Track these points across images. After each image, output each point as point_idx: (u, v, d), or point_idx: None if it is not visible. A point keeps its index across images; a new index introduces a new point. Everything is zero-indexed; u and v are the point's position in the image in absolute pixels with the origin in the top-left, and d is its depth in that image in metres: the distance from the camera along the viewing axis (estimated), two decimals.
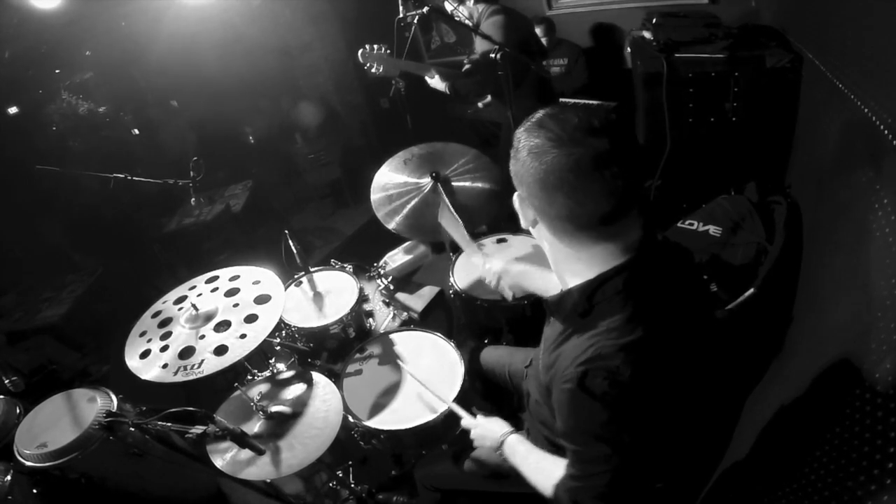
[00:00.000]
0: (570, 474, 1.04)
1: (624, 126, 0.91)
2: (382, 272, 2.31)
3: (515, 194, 1.03)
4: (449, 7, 2.83)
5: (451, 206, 1.87)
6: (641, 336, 0.92)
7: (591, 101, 3.71)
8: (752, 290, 2.00)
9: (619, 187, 0.87)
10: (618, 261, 0.96)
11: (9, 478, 1.69)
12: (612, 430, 0.94)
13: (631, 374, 0.89)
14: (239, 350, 1.47)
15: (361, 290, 2.13)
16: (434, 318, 2.30)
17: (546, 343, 1.18)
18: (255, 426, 1.58)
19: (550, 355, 1.10)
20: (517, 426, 1.38)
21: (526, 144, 0.93)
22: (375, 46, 2.45)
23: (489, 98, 3.66)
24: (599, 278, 0.97)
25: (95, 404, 1.75)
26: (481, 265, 1.67)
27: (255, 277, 1.75)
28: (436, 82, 2.69)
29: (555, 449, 1.24)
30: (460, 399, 1.62)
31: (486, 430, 1.40)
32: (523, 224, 1.06)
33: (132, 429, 1.33)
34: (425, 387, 1.68)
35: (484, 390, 1.90)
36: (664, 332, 0.95)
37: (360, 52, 2.43)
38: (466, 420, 1.49)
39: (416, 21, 2.48)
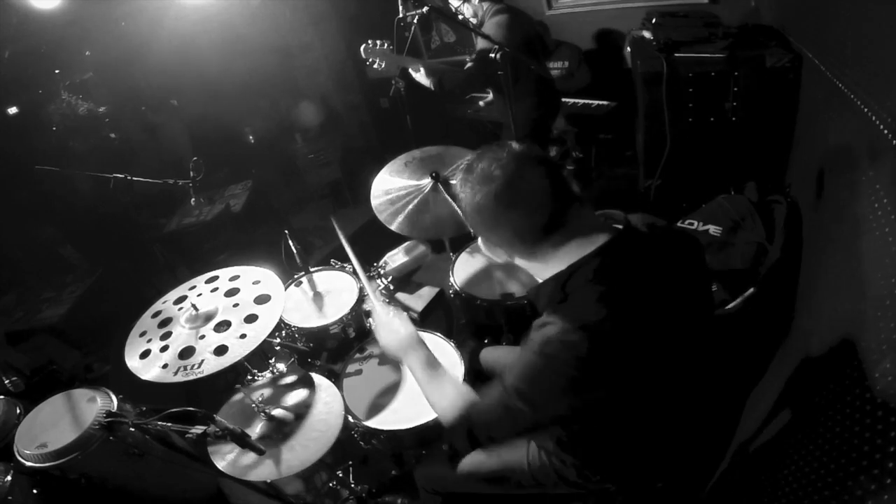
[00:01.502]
0: (479, 409, 1.13)
1: (526, 149, 1.06)
2: (382, 272, 2.31)
3: (479, 240, 1.17)
4: (454, 5, 2.83)
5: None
6: (604, 317, 0.97)
7: (590, 101, 3.72)
8: (752, 290, 2.01)
9: (540, 199, 1.01)
10: (587, 251, 1.04)
11: (9, 478, 1.69)
12: (543, 395, 1.01)
13: (587, 351, 0.95)
14: (239, 350, 1.47)
15: (361, 289, 2.13)
16: (434, 317, 2.30)
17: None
18: (256, 427, 1.58)
19: (527, 337, 1.15)
20: None
21: (461, 198, 1.09)
22: (378, 42, 2.45)
23: (490, 97, 3.66)
24: (570, 268, 1.05)
25: (95, 404, 1.75)
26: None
27: (255, 277, 1.75)
28: (421, 76, 2.68)
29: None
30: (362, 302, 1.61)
31: (391, 328, 1.41)
32: (500, 260, 1.20)
33: (132, 429, 1.33)
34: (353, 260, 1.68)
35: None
36: (629, 314, 1.00)
37: (362, 47, 2.44)
38: (373, 304, 1.53)
39: (415, 21, 2.48)
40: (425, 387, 1.29)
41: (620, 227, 1.09)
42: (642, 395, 1.07)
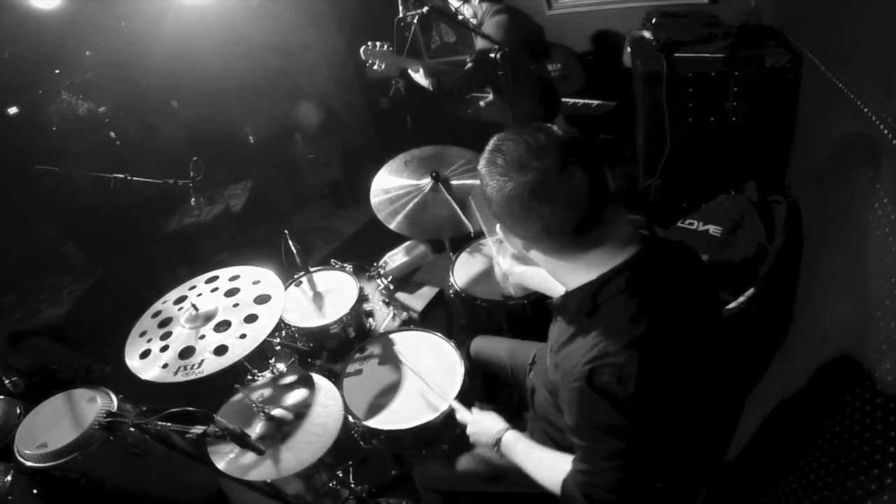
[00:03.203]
0: (581, 469, 1.04)
1: (568, 138, 0.95)
2: (382, 272, 2.31)
3: (498, 227, 1.07)
4: (453, 5, 2.84)
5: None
6: (645, 332, 0.93)
7: (590, 101, 3.72)
8: (752, 290, 2.00)
9: (578, 197, 0.91)
10: (617, 260, 0.98)
11: (9, 478, 1.69)
12: (622, 426, 0.94)
13: (637, 369, 0.90)
14: (239, 350, 1.47)
15: (361, 289, 2.13)
16: (434, 317, 2.30)
17: (552, 342, 1.18)
18: (255, 427, 1.58)
19: (557, 355, 1.11)
20: (519, 426, 1.37)
21: (487, 182, 0.98)
22: (378, 43, 2.45)
23: (490, 97, 3.66)
24: (602, 279, 0.99)
25: (95, 404, 1.75)
26: (495, 256, 1.74)
27: (255, 277, 1.74)
28: (419, 77, 2.69)
29: (559, 448, 1.24)
30: (461, 399, 1.62)
31: (481, 426, 1.38)
32: (516, 252, 1.09)
33: (132, 429, 1.33)
34: (425, 381, 1.68)
35: (485, 389, 1.90)
36: (669, 326, 0.96)
37: (362, 48, 2.44)
38: (463, 414, 1.48)
39: (415, 21, 2.48)
40: (531, 468, 1.23)
41: (646, 233, 1.04)
42: (678, 421, 1.02)
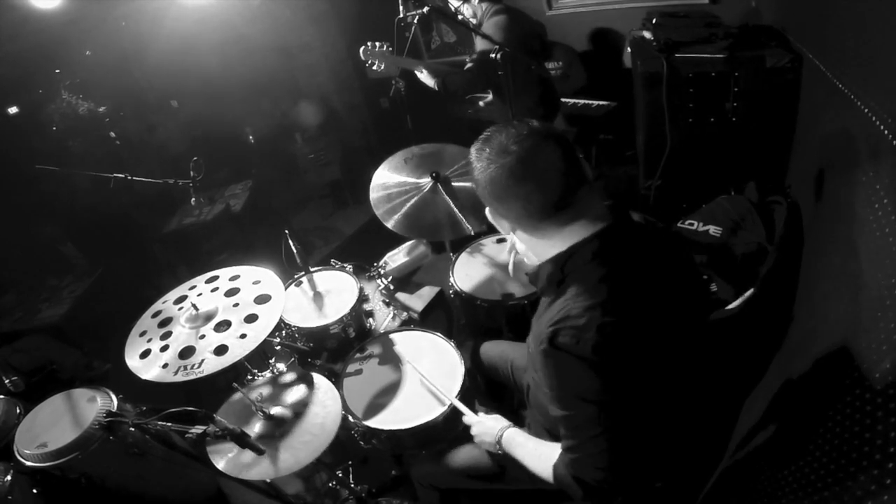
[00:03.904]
0: (567, 446, 1.10)
1: (543, 127, 1.07)
2: (382, 272, 2.31)
3: (487, 210, 1.17)
4: (454, 5, 2.84)
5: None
6: (606, 297, 1.00)
7: (590, 101, 3.72)
8: (751, 291, 2.00)
9: (552, 177, 1.03)
10: (587, 233, 1.06)
11: (9, 478, 1.69)
12: (590, 390, 1.01)
13: (596, 331, 0.97)
14: (239, 350, 1.47)
15: (361, 289, 2.13)
16: (434, 318, 2.30)
17: (535, 318, 1.24)
18: (254, 427, 1.58)
19: (535, 327, 1.18)
20: (518, 424, 1.40)
21: (475, 168, 1.10)
22: (377, 44, 2.45)
23: (490, 97, 3.66)
24: (570, 249, 1.08)
25: (95, 404, 1.75)
26: (506, 253, 1.82)
27: (255, 277, 1.75)
28: (425, 77, 2.69)
29: (554, 438, 1.25)
30: (461, 399, 1.62)
31: (485, 426, 1.43)
32: (503, 233, 1.20)
33: (132, 429, 1.33)
34: (429, 382, 1.69)
35: (485, 389, 1.90)
36: (631, 295, 1.02)
37: (361, 49, 2.44)
38: (468, 417, 1.52)
39: (415, 21, 2.48)
40: (527, 460, 1.29)
41: (620, 213, 1.11)
42: (644, 389, 1.07)
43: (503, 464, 1.49)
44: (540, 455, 1.24)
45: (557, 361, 1.02)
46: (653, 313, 1.06)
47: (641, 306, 1.04)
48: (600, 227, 1.07)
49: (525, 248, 1.19)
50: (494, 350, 1.84)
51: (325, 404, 1.61)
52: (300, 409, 1.61)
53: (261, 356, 1.93)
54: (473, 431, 1.48)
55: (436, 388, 1.66)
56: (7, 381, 2.16)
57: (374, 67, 2.49)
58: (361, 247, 3.72)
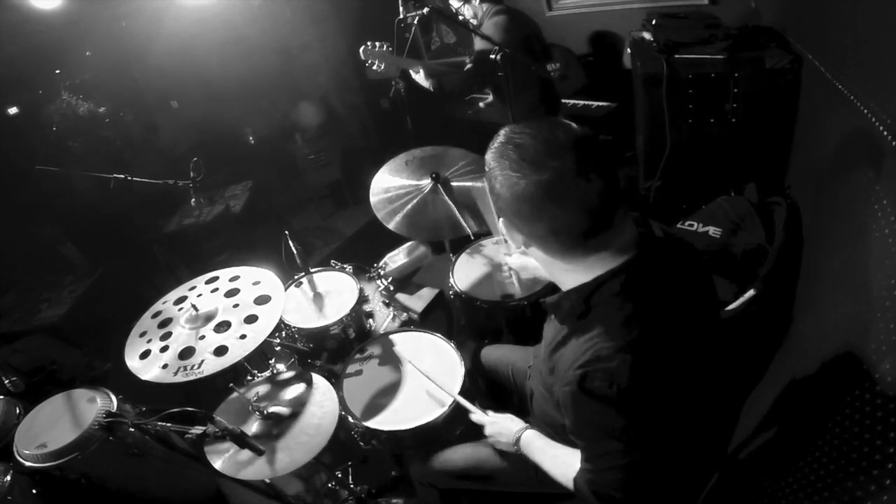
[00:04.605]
0: (585, 468, 1.06)
1: (586, 138, 0.92)
2: (382, 273, 2.31)
3: (500, 221, 1.04)
4: (454, 6, 2.84)
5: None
6: (638, 336, 0.92)
7: (590, 102, 3.72)
8: (751, 291, 2.01)
9: (591, 201, 0.89)
10: (615, 263, 0.97)
11: (9, 478, 1.69)
12: (616, 427, 0.95)
13: (629, 374, 0.90)
14: (239, 351, 1.47)
15: (361, 290, 2.13)
16: (434, 318, 2.30)
17: (546, 342, 1.19)
18: (252, 426, 1.58)
19: (551, 357, 1.11)
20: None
21: (496, 174, 0.94)
22: (377, 44, 2.45)
23: (490, 98, 3.66)
24: (596, 281, 0.98)
25: (95, 404, 1.75)
26: (503, 257, 1.78)
27: (255, 278, 1.75)
28: (420, 78, 2.69)
29: (564, 443, 1.25)
30: (456, 408, 1.63)
31: (501, 426, 1.41)
32: (514, 247, 1.07)
33: (132, 429, 1.34)
34: (435, 381, 1.68)
35: (486, 391, 1.90)
36: (663, 331, 0.95)
37: (361, 49, 2.44)
38: (479, 416, 1.51)
39: (416, 21, 2.48)
40: (546, 464, 1.26)
41: (643, 231, 1.03)
42: (673, 419, 1.02)
43: (496, 469, 1.49)
44: (561, 463, 1.20)
45: (587, 405, 0.94)
46: (683, 345, 0.99)
47: (673, 341, 0.96)
48: (629, 257, 0.97)
49: (536, 264, 1.09)
50: (494, 353, 1.83)
51: (322, 405, 1.60)
52: (297, 408, 1.61)
53: (261, 357, 1.94)
54: (488, 431, 1.45)
55: (442, 387, 1.66)
56: (7, 382, 2.16)
57: (374, 67, 2.49)
58: (361, 247, 3.72)
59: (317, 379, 1.70)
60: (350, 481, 2.06)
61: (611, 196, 0.91)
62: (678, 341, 0.98)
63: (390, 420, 1.66)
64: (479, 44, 2.65)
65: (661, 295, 0.98)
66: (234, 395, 1.68)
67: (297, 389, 1.68)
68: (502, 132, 0.97)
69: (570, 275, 1.02)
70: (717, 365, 1.14)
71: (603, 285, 0.97)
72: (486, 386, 1.86)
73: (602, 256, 0.97)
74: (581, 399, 0.94)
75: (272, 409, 1.60)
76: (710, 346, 1.10)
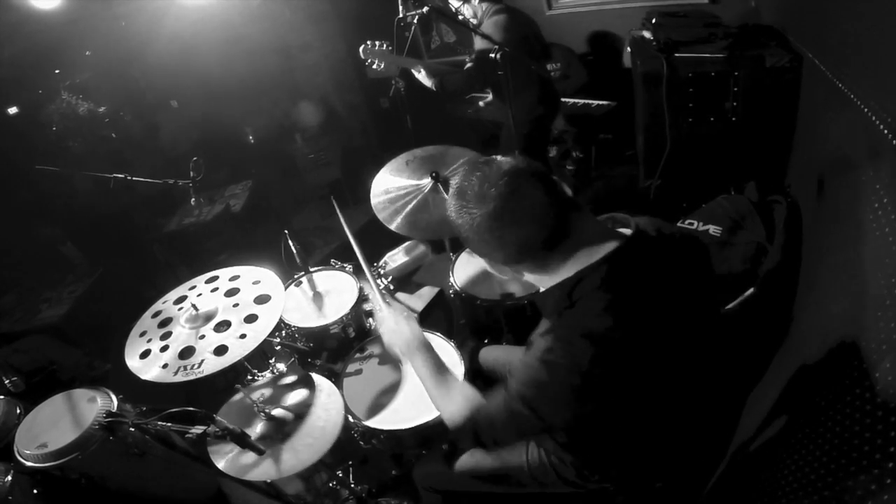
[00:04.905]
0: (485, 415, 1.13)
1: (513, 163, 1.01)
2: (382, 272, 2.31)
3: (486, 263, 1.14)
4: (454, 5, 2.84)
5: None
6: (609, 326, 0.96)
7: (590, 101, 3.72)
8: (751, 290, 2.00)
9: (539, 210, 0.98)
10: (594, 257, 1.02)
11: (9, 478, 1.69)
12: (552, 411, 1.01)
13: (588, 361, 0.94)
14: (239, 350, 1.47)
15: (361, 289, 2.13)
16: (434, 318, 2.30)
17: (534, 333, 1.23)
18: (256, 427, 1.58)
19: (530, 343, 1.16)
20: None
21: (457, 221, 1.04)
22: (377, 43, 2.45)
23: (490, 97, 3.66)
24: (577, 275, 1.02)
25: (95, 404, 1.75)
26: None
27: (255, 277, 1.75)
28: (423, 77, 2.69)
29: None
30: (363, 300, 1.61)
31: (398, 328, 1.40)
32: (508, 278, 1.16)
33: (132, 429, 1.33)
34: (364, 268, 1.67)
35: (485, 389, 1.90)
36: (636, 322, 0.98)
37: (361, 48, 2.44)
38: (377, 304, 1.52)
39: (415, 21, 2.48)
40: (431, 389, 1.29)
41: (629, 231, 1.06)
42: (646, 399, 1.07)
43: (501, 473, 1.49)
44: (450, 396, 1.24)
45: (537, 371, 1.00)
46: (659, 338, 1.02)
47: (644, 334, 0.99)
48: (610, 250, 1.02)
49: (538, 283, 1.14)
50: (492, 354, 1.84)
51: (327, 408, 1.61)
52: (302, 411, 1.61)
53: (261, 356, 1.93)
54: (379, 321, 1.47)
55: (362, 261, 1.66)
56: (7, 382, 2.16)
57: (374, 67, 2.49)
58: (361, 247, 3.71)
59: (320, 381, 1.70)
60: (350, 481, 2.06)
61: (556, 202, 0.99)
62: (652, 335, 1.01)
63: (390, 419, 1.66)
64: (479, 43, 2.65)
65: (641, 288, 1.01)
66: (238, 395, 1.68)
67: (301, 392, 1.69)
68: (455, 182, 1.07)
69: (557, 278, 1.07)
70: (705, 360, 1.16)
71: (584, 279, 1.01)
72: (484, 387, 1.87)
73: (578, 257, 1.03)
74: (535, 366, 1.00)
75: (277, 412, 1.60)
76: (695, 342, 1.12)
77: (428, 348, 1.34)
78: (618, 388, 0.99)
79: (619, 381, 0.98)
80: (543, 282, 1.10)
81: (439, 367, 1.31)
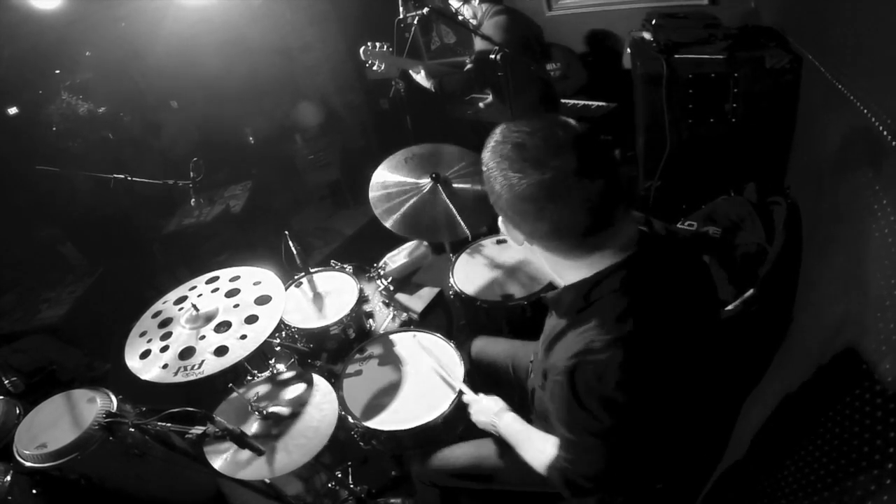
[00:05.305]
0: (563, 457, 1.08)
1: (586, 136, 0.90)
2: (382, 273, 2.31)
3: (500, 219, 1.04)
4: (454, 6, 2.84)
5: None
6: (631, 331, 0.93)
7: (590, 102, 3.72)
8: (751, 291, 2.00)
9: (593, 199, 0.88)
10: (616, 259, 0.98)
11: (8, 478, 1.69)
12: (600, 425, 0.96)
13: (619, 369, 0.91)
14: (239, 351, 1.47)
15: (361, 290, 2.13)
16: (434, 318, 2.30)
17: (545, 335, 1.20)
18: (251, 426, 1.58)
19: (548, 351, 1.12)
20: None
21: (495, 175, 0.93)
22: (377, 44, 2.45)
23: (490, 99, 3.66)
24: (596, 277, 0.98)
25: (95, 405, 1.75)
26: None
27: (256, 278, 1.75)
28: (421, 78, 2.69)
29: None
30: (459, 402, 1.63)
31: (482, 405, 1.46)
32: (515, 244, 1.06)
33: (132, 429, 1.34)
34: (437, 361, 1.73)
35: (485, 389, 1.90)
36: (656, 327, 0.96)
37: (362, 49, 2.45)
38: (468, 396, 1.55)
39: (415, 22, 2.48)
40: (522, 447, 1.31)
41: (645, 230, 1.04)
42: (659, 414, 1.04)
43: (498, 468, 1.49)
44: (534, 447, 1.24)
45: (574, 398, 0.95)
46: (677, 342, 1.00)
47: (666, 337, 0.97)
48: (630, 254, 0.97)
49: (538, 260, 1.09)
50: (495, 348, 1.81)
51: (321, 407, 1.60)
52: (297, 408, 1.61)
53: (261, 357, 1.93)
54: (471, 410, 1.50)
55: (444, 369, 1.72)
56: (7, 382, 2.16)
57: (374, 68, 2.49)
58: (361, 248, 3.72)
59: (317, 380, 1.70)
60: (350, 481, 2.06)
61: (612, 194, 0.90)
62: (672, 338, 0.99)
63: (390, 420, 1.66)
64: (479, 44, 2.65)
65: (659, 291, 0.99)
66: (234, 394, 1.68)
67: (297, 389, 1.68)
68: (499, 131, 0.96)
69: (572, 271, 1.03)
70: (713, 363, 1.15)
71: (603, 281, 0.97)
72: (483, 383, 1.87)
73: (604, 253, 0.98)
74: (569, 391, 0.96)
75: (272, 409, 1.60)
76: (706, 345, 1.10)
77: (509, 412, 1.41)
78: (641, 399, 0.96)
79: (643, 393, 0.95)
80: (553, 264, 1.04)
81: (523, 424, 1.36)
